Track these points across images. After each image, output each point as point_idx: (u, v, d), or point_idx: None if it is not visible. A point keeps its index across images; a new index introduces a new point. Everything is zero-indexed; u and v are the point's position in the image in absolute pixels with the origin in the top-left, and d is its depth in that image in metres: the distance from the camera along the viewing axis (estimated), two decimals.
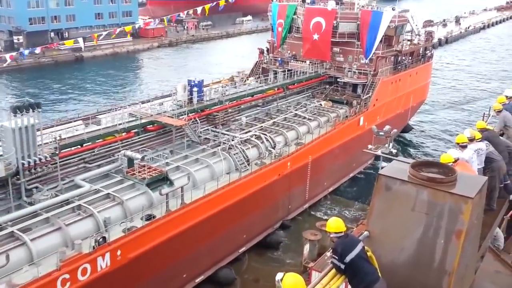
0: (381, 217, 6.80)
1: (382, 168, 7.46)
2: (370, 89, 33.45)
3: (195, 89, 27.88)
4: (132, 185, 22.29)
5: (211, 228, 23.29)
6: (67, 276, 17.90)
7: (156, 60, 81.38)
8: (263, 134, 27.70)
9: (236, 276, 24.33)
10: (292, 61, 37.01)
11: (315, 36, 35.29)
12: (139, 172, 22.33)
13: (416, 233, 6.43)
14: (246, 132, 27.94)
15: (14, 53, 38.75)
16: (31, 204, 20.18)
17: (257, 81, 33.23)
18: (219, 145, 26.22)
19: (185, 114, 26.33)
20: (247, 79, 34.12)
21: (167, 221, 21.21)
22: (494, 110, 14.60)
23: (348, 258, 6.16)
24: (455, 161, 9.20)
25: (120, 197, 21.06)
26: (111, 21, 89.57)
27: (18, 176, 19.94)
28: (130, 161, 22.93)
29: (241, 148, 25.95)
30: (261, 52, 39.31)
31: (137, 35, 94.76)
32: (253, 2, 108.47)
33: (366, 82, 34.06)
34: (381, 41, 33.75)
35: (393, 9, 33.82)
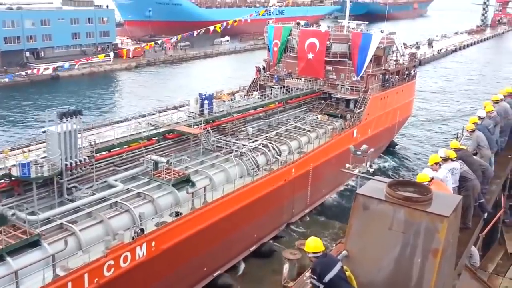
0: (359, 236, 7.13)
1: (359, 187, 8.25)
2: (362, 104, 38.37)
3: (206, 101, 31.96)
4: (159, 185, 25.87)
5: (228, 226, 26.97)
6: (112, 262, 21.20)
7: (134, 80, 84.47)
8: (269, 143, 31.90)
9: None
10: (288, 78, 41.79)
11: (310, 56, 40.24)
12: (165, 174, 26.02)
13: (393, 252, 6.73)
14: (253, 141, 32.07)
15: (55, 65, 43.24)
16: (72, 201, 23.46)
17: (259, 96, 37.65)
18: (231, 152, 30.16)
19: (198, 124, 30.30)
20: (252, 94, 38.49)
21: (192, 217, 24.85)
22: (467, 130, 15.30)
23: (327, 278, 6.49)
24: (431, 180, 9.74)
25: (151, 195, 24.66)
26: (88, 41, 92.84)
27: (60, 176, 23.31)
28: (156, 164, 26.64)
29: (251, 155, 30.00)
30: (258, 70, 44.02)
31: (115, 54, 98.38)
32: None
33: (358, 97, 38.97)
34: (371, 60, 38.92)
35: (381, 32, 39.22)
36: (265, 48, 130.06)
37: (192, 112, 31.76)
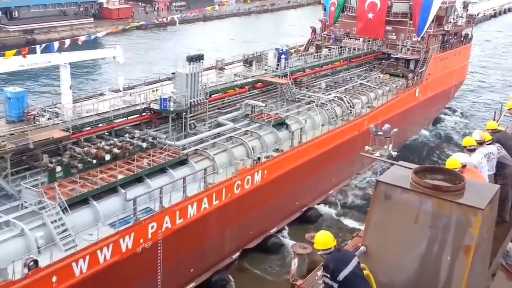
0: (379, 230, 8.21)
1: (381, 173, 8.87)
2: (423, 64, 52.20)
3: (283, 56, 45.35)
4: (260, 126, 39.03)
5: (316, 166, 40.34)
6: (239, 182, 34.29)
7: (125, 46, 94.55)
8: (343, 96, 45.51)
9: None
10: (345, 38, 55.45)
11: (370, 15, 53.88)
12: (265, 116, 39.25)
13: (418, 248, 7.67)
14: (328, 94, 45.63)
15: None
16: (195, 134, 36.46)
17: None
18: (309, 103, 43.51)
19: (279, 76, 43.68)
20: (321, 51, 52.13)
21: (292, 154, 38.21)
22: (508, 108, 16.66)
23: (341, 276, 7.47)
24: (463, 166, 10.88)
25: (258, 133, 37.89)
26: (68, 0, 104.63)
27: (185, 112, 36.23)
28: (253, 108, 39.88)
29: (330, 105, 43.53)
30: (313, 30, 57.65)
31: (100, 16, 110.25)
32: None
33: (418, 58, 52.76)
34: (432, 20, 52.48)
35: None
36: (272, 11, 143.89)
37: (271, 66, 45.09)
